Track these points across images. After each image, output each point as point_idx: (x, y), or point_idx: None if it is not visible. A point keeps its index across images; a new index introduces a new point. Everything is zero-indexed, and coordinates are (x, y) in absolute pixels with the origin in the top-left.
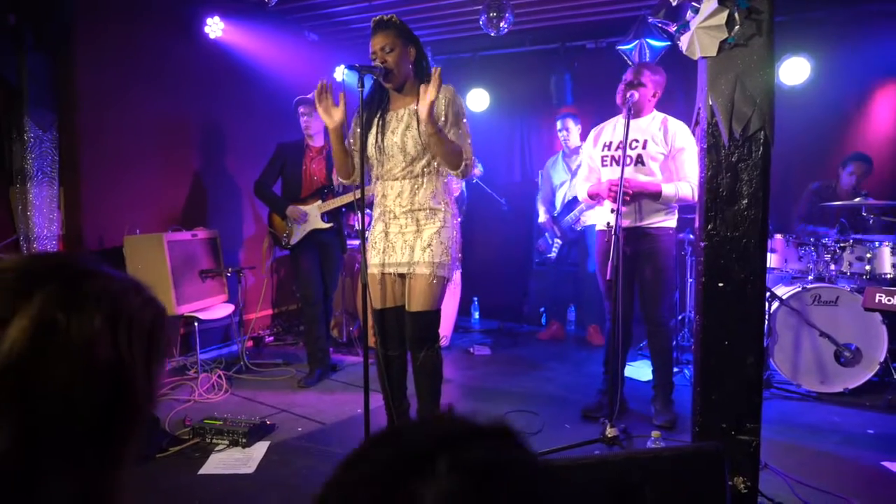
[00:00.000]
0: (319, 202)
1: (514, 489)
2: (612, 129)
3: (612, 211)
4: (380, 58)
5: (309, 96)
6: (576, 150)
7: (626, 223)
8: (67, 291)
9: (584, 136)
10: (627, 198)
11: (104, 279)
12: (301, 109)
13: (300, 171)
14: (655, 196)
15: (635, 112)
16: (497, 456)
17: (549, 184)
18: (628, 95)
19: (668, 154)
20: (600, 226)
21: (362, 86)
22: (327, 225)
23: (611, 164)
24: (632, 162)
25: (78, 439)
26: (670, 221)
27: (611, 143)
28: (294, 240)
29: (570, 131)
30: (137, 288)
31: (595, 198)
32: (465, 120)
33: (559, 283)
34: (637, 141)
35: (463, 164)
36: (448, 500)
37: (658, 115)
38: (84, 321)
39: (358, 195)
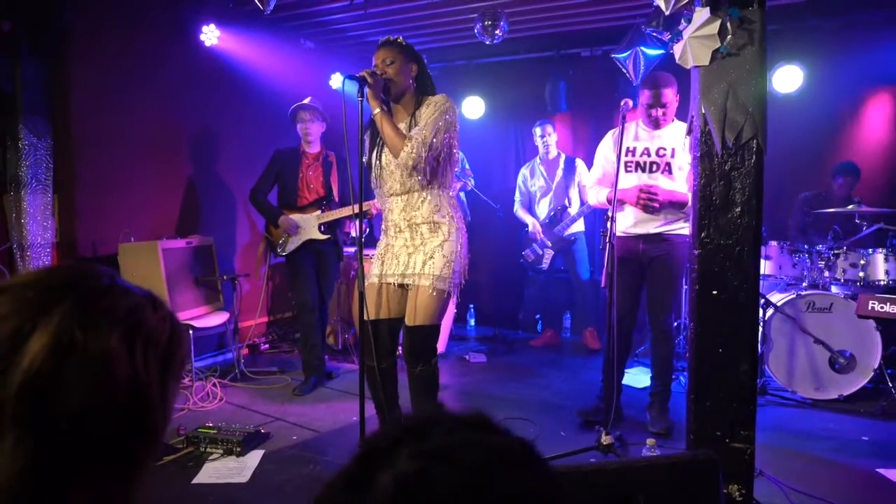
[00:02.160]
0: (318, 212)
1: (459, 473)
2: (634, 135)
3: (642, 214)
4: (380, 70)
5: (306, 102)
6: (556, 159)
7: (647, 229)
8: (85, 308)
9: (560, 144)
10: (657, 205)
11: (121, 295)
12: (303, 115)
13: (296, 178)
14: (682, 206)
15: (660, 123)
16: (451, 441)
17: (527, 190)
18: (653, 115)
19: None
20: (618, 232)
21: (362, 96)
22: (324, 236)
23: (635, 171)
24: (659, 169)
25: (94, 457)
26: (686, 228)
27: (635, 148)
28: (290, 248)
29: (552, 136)
30: (154, 304)
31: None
32: (440, 125)
33: (554, 290)
34: (665, 149)
35: (402, 151)
36: (399, 484)
37: (681, 125)
38: (101, 339)
39: (357, 209)
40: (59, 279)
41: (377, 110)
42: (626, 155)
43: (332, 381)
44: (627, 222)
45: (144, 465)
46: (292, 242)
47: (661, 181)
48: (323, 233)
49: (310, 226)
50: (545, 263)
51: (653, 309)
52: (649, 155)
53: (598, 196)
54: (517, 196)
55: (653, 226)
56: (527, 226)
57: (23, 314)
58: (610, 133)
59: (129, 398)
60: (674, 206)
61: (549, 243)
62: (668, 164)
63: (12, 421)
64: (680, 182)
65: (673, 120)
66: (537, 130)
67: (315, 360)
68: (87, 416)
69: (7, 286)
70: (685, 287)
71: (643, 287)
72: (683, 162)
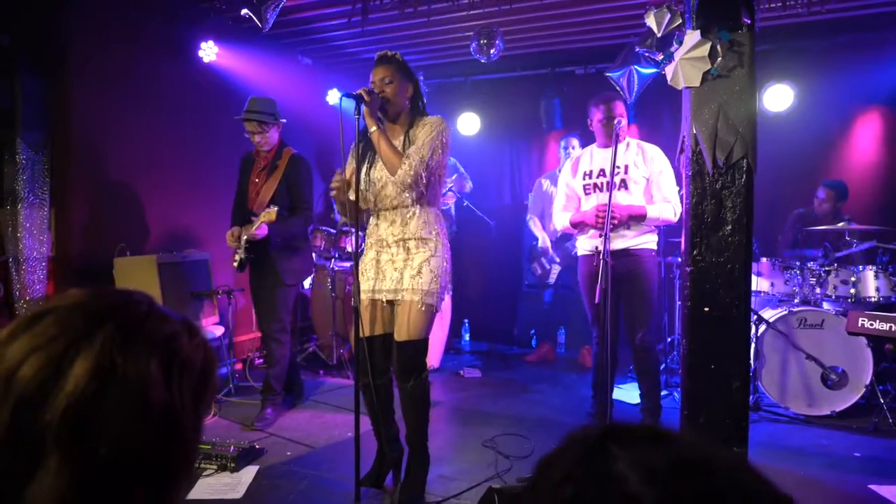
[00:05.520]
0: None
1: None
2: (590, 158)
3: (601, 235)
4: (378, 88)
5: (246, 108)
6: None
7: (613, 245)
8: (126, 334)
9: (555, 160)
10: (616, 222)
11: (160, 321)
12: (249, 127)
13: (247, 183)
14: (641, 218)
15: (620, 136)
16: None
17: (548, 203)
18: (615, 125)
19: (649, 177)
20: (583, 251)
21: (358, 113)
22: (244, 254)
23: (594, 192)
24: (616, 187)
25: (131, 481)
26: (652, 243)
27: (591, 171)
28: (235, 264)
29: (576, 150)
30: (190, 331)
31: (578, 226)
32: (436, 145)
33: (549, 306)
34: (618, 167)
35: (399, 169)
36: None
37: (632, 141)
38: (140, 365)
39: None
40: (102, 303)
41: (374, 128)
42: (585, 178)
43: (327, 397)
44: (595, 241)
45: (177, 491)
46: (236, 258)
47: (618, 197)
48: (244, 248)
49: (243, 240)
50: (552, 278)
51: (629, 326)
52: (604, 175)
53: (562, 221)
54: (531, 205)
55: (619, 242)
56: (536, 239)
57: (68, 338)
58: (567, 161)
59: (164, 424)
60: (634, 220)
61: (557, 259)
62: (624, 181)
63: (55, 446)
64: (637, 196)
65: (626, 136)
66: (562, 143)
67: (289, 380)
68: (125, 441)
69: (51, 308)
70: (678, 303)
71: (620, 304)
72: (638, 176)
